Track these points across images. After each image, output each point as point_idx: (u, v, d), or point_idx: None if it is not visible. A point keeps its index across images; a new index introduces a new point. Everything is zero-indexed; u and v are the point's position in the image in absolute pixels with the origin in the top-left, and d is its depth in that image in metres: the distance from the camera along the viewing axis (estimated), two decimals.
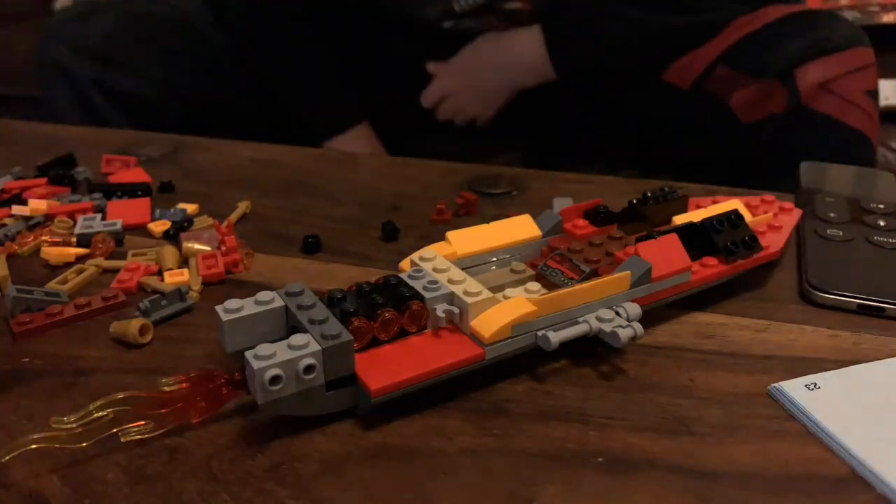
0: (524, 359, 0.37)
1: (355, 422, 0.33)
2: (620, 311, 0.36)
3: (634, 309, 0.36)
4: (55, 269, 0.45)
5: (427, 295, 0.35)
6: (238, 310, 0.33)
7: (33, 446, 0.30)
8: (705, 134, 0.79)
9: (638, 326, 0.35)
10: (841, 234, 0.46)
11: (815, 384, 0.34)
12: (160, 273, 0.44)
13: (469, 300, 0.34)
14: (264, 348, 0.31)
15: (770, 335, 0.39)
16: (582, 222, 0.42)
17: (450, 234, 0.40)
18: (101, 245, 0.47)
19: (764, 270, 0.44)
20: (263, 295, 0.34)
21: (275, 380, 0.30)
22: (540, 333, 0.35)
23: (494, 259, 0.40)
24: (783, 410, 0.34)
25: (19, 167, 0.58)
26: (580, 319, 0.36)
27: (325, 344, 0.31)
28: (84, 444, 0.30)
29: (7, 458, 0.29)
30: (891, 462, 0.30)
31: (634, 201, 0.44)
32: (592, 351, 0.37)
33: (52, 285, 0.43)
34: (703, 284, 0.40)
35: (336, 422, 0.33)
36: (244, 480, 0.30)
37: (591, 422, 0.33)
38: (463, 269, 0.38)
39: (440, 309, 0.35)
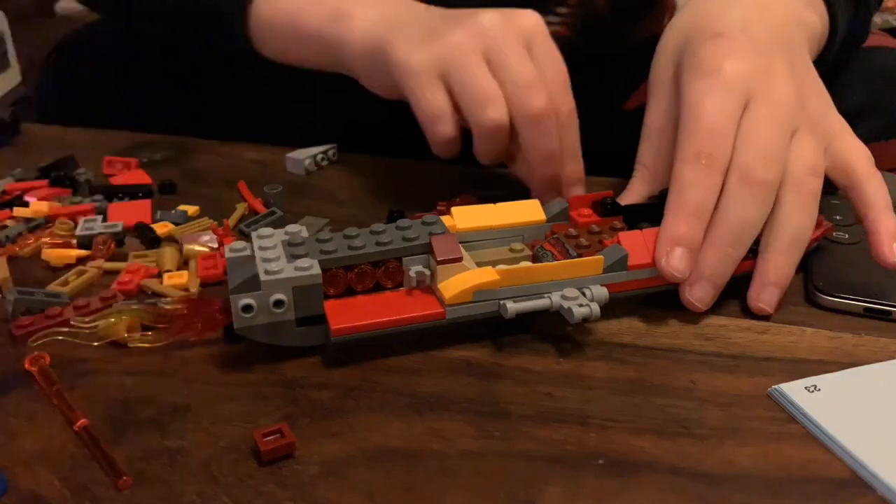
0: (524, 361, 0.37)
1: (355, 423, 0.33)
2: (586, 291, 0.37)
3: (600, 291, 0.38)
4: (56, 271, 0.45)
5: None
6: (241, 249, 0.38)
7: (60, 337, 0.37)
8: None
9: (595, 307, 0.37)
10: (847, 236, 0.46)
11: (816, 386, 0.34)
12: (160, 275, 0.44)
13: (439, 265, 0.37)
14: None
15: (771, 337, 0.39)
16: (587, 211, 0.43)
17: (455, 210, 0.41)
18: (101, 247, 0.47)
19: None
20: (264, 230, 0.38)
21: (246, 308, 0.34)
22: (501, 302, 0.36)
23: (497, 238, 0.41)
24: (784, 412, 0.34)
25: (20, 169, 0.58)
26: (545, 294, 0.37)
27: (296, 274, 0.35)
28: (96, 344, 0.37)
29: (35, 343, 0.37)
30: (891, 464, 0.30)
31: (649, 198, 0.45)
32: (594, 353, 0.37)
33: (53, 287, 0.43)
34: None
35: (336, 424, 0.33)
36: (244, 483, 0.30)
37: (592, 424, 0.33)
38: (462, 243, 0.39)
39: (413, 270, 0.37)
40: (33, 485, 0.30)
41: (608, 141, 0.68)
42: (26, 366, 0.36)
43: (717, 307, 0.41)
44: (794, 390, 0.34)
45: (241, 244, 0.38)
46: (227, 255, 0.38)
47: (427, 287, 0.38)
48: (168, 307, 0.37)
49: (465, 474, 0.30)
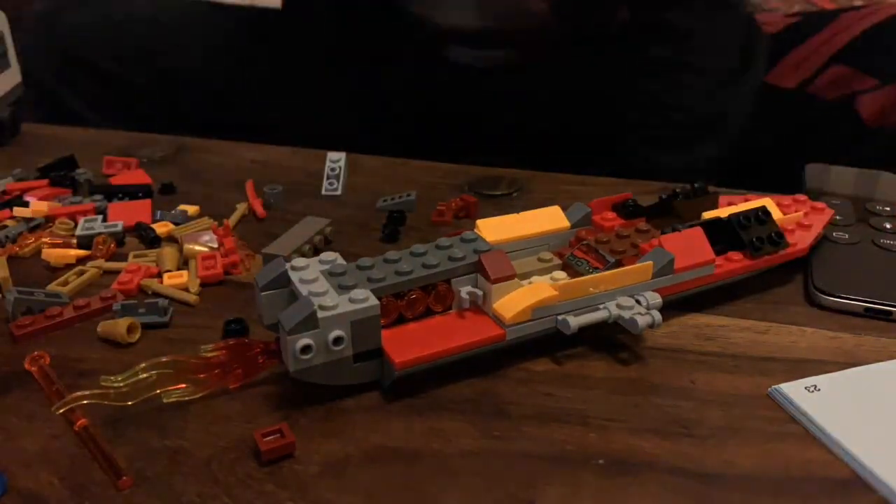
0: (524, 361, 0.37)
1: (355, 423, 0.33)
2: (641, 299, 0.37)
3: (654, 298, 0.37)
4: (56, 271, 0.45)
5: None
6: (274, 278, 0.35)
7: (84, 402, 0.32)
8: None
9: (657, 314, 0.36)
10: (847, 236, 0.45)
11: (816, 386, 0.34)
12: (160, 275, 0.44)
13: (494, 284, 0.35)
14: None
15: (771, 337, 0.39)
16: (610, 215, 0.43)
17: (480, 223, 0.40)
18: (101, 246, 0.47)
19: (764, 272, 0.44)
20: (298, 261, 0.35)
21: (305, 349, 0.32)
22: (560, 318, 0.36)
23: (523, 248, 0.41)
24: (784, 412, 0.34)
25: (20, 169, 0.58)
26: (600, 306, 0.36)
27: (352, 307, 0.33)
28: (130, 403, 0.32)
29: (60, 411, 0.32)
30: (891, 464, 0.30)
31: (664, 196, 0.45)
32: (593, 353, 0.37)
33: (53, 287, 0.43)
34: (726, 278, 0.40)
35: (336, 424, 0.33)
36: (244, 482, 0.30)
37: (592, 424, 0.33)
38: None
39: (464, 291, 0.36)
40: (33, 485, 0.30)
41: (594, 123, 0.68)
42: (26, 366, 0.36)
43: (717, 308, 0.41)
44: (794, 390, 0.34)
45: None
46: (262, 291, 0.35)
47: (476, 308, 0.37)
48: (207, 354, 0.34)
49: (465, 474, 0.30)
